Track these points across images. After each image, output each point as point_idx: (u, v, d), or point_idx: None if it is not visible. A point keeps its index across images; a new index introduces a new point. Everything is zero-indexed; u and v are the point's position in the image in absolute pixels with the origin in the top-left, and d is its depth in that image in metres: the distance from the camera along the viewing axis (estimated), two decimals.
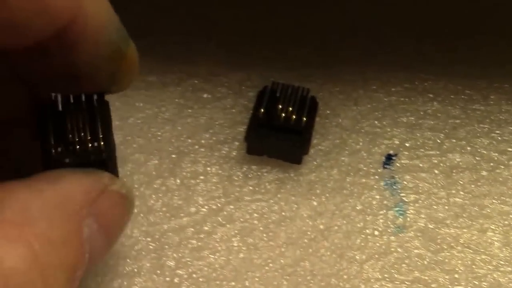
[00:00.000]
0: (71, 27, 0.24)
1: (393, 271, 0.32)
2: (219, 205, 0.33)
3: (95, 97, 0.26)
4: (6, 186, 0.23)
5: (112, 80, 0.27)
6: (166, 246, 0.32)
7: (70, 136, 0.25)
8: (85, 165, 0.25)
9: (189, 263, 0.32)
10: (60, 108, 0.26)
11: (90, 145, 0.25)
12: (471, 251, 0.33)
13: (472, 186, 0.34)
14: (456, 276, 0.32)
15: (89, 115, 0.26)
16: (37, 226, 0.23)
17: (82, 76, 0.26)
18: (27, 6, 0.22)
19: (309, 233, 0.33)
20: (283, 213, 0.33)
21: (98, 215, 0.25)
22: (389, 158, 0.35)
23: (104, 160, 0.26)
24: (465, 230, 0.33)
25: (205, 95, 0.36)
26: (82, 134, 0.25)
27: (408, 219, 0.33)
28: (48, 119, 0.26)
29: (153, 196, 0.33)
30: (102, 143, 0.25)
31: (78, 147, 0.25)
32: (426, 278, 0.32)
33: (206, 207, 0.33)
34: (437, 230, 0.33)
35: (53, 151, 0.25)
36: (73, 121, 0.26)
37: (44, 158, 0.25)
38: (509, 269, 0.32)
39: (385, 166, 0.35)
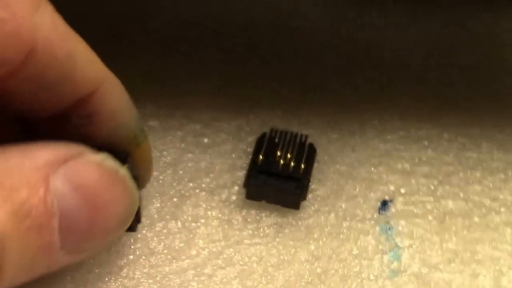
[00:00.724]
0: (92, 98, 0.26)
1: None
2: (219, 248, 0.34)
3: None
4: None
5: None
6: None
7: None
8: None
9: None
10: None
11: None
12: None
13: (465, 232, 0.35)
14: None
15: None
16: None
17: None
18: (56, 69, 0.24)
19: (306, 276, 0.33)
20: (281, 257, 0.34)
21: (69, 176, 0.24)
22: (384, 204, 0.36)
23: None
24: (457, 275, 0.34)
25: (205, 140, 0.38)
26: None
27: (403, 263, 0.34)
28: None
29: (155, 238, 0.34)
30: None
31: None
32: None
33: (206, 250, 0.34)
34: (430, 274, 0.34)
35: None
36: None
37: None
38: None
39: (381, 211, 0.36)
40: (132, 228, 0.33)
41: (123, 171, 0.27)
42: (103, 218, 0.26)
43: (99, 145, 0.27)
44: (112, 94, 0.27)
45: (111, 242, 0.28)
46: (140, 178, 0.30)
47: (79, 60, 0.25)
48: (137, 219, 0.32)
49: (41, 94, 0.25)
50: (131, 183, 0.27)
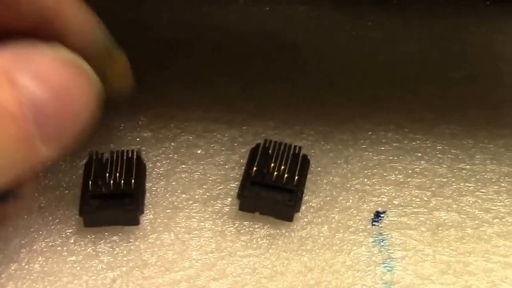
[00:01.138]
0: (56, 18, 0.27)
1: None
2: (212, 259, 0.34)
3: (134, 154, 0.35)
4: None
5: (103, 82, 0.29)
6: None
7: (107, 175, 0.34)
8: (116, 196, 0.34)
9: None
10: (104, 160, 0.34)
11: (122, 182, 0.34)
12: None
13: (458, 243, 0.35)
14: None
15: (126, 165, 0.34)
16: None
17: None
18: None
19: None
20: (274, 268, 0.34)
21: (35, 73, 0.25)
22: (377, 216, 0.36)
23: (132, 194, 0.34)
24: (450, 287, 0.34)
25: (199, 151, 0.38)
26: (118, 175, 0.34)
27: (396, 275, 0.34)
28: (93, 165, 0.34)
29: (148, 250, 0.34)
30: (133, 182, 0.34)
31: (112, 182, 0.33)
32: None
33: (199, 261, 0.34)
34: (423, 286, 0.34)
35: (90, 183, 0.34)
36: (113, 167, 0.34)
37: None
38: None
39: (374, 223, 0.36)
40: (135, 221, 0.34)
41: (80, 59, 0.27)
42: (71, 103, 0.26)
43: None
44: (76, 11, 0.28)
45: (83, 129, 0.28)
46: (120, 87, 0.32)
47: None
48: (140, 210, 0.35)
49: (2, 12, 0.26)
50: (89, 69, 0.27)
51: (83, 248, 0.34)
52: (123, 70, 0.32)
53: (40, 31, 0.27)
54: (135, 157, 0.35)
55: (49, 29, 0.27)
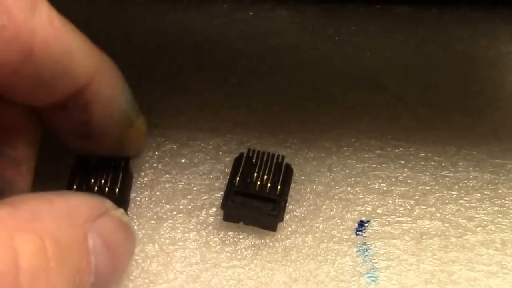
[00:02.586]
0: (87, 88, 0.28)
1: None
2: (196, 271, 0.34)
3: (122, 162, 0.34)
4: (17, 197, 0.26)
5: (120, 145, 0.32)
6: None
7: (93, 181, 0.33)
8: None
9: None
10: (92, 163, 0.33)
11: (106, 189, 0.33)
12: None
13: (441, 252, 0.35)
14: None
15: (113, 172, 0.33)
16: (47, 226, 0.24)
17: (94, 136, 0.31)
18: (53, 66, 0.26)
19: None
20: (259, 279, 0.34)
21: (100, 232, 0.27)
22: (361, 225, 0.36)
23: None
24: None
25: (183, 160, 0.37)
26: (103, 181, 0.33)
27: (380, 285, 0.34)
28: (80, 167, 0.33)
29: (132, 262, 0.34)
30: (117, 190, 0.33)
31: (96, 188, 0.33)
32: None
33: (184, 273, 0.34)
34: None
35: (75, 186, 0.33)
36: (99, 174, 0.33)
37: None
38: None
39: (358, 232, 0.36)
40: None
41: (131, 223, 0.31)
42: (122, 264, 0.30)
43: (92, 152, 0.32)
44: (107, 82, 0.29)
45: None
46: (134, 151, 0.35)
47: (76, 54, 0.27)
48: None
49: (40, 89, 0.27)
50: (133, 228, 0.31)
51: None
52: (141, 136, 0.34)
53: (71, 99, 0.28)
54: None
55: (79, 98, 0.28)
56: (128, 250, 0.30)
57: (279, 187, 0.35)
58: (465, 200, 0.37)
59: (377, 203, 0.37)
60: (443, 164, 0.38)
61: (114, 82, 0.30)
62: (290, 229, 0.36)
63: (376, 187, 0.37)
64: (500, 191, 0.37)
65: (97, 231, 0.27)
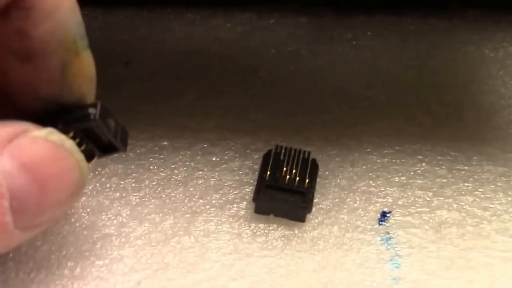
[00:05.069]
0: None
1: None
2: (230, 261, 0.36)
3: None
4: None
5: (62, 78, 0.28)
6: None
7: None
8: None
9: None
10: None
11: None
12: None
13: (459, 240, 0.37)
14: None
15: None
16: None
17: (34, 57, 0.27)
18: None
19: (314, 285, 0.35)
20: (289, 268, 0.36)
21: (15, 154, 0.25)
22: (384, 215, 0.38)
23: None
24: (454, 281, 0.36)
25: (214, 158, 0.40)
26: None
27: (403, 271, 0.36)
28: None
29: (170, 253, 0.36)
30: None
31: None
32: None
33: (219, 263, 0.36)
34: (429, 281, 0.36)
35: None
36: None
37: None
38: None
39: (381, 222, 0.38)
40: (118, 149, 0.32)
41: (68, 143, 0.27)
42: (53, 192, 0.26)
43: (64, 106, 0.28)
44: None
45: (64, 214, 0.28)
46: (81, 91, 0.29)
47: None
48: (123, 145, 0.32)
49: None
50: (78, 154, 0.27)
51: (109, 253, 0.36)
52: (86, 72, 0.29)
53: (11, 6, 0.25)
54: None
55: (21, 3, 0.25)
56: (60, 170, 0.26)
57: (307, 180, 0.37)
58: (480, 191, 0.39)
59: (397, 195, 0.39)
60: (458, 159, 0.40)
61: None
62: (317, 220, 0.38)
63: (396, 180, 0.39)
64: None
65: (10, 153, 0.25)
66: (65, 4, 0.26)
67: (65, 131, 0.27)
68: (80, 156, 0.27)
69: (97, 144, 0.30)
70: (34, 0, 0.25)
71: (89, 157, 0.29)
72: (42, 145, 0.26)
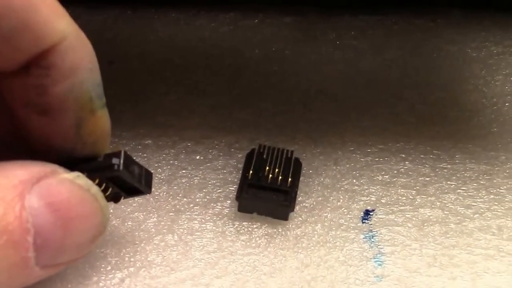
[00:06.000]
0: (53, 50, 0.26)
1: None
2: (214, 259, 0.36)
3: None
4: None
5: (77, 134, 0.28)
6: None
7: None
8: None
9: None
10: None
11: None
12: None
13: (442, 238, 0.37)
14: None
15: None
16: None
17: (51, 111, 0.27)
18: (12, 16, 0.24)
19: (297, 283, 0.35)
20: (273, 265, 0.36)
21: (42, 193, 0.25)
22: (367, 214, 0.38)
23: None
24: (437, 278, 0.36)
25: (197, 157, 0.40)
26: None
27: (386, 268, 0.36)
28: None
29: (154, 251, 0.36)
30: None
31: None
32: None
33: (202, 261, 0.36)
34: (412, 278, 0.36)
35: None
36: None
37: None
38: None
39: (364, 221, 0.38)
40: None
41: (94, 188, 0.28)
42: (75, 234, 0.27)
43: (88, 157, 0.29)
44: (75, 51, 0.26)
45: (84, 255, 0.29)
46: (95, 148, 0.29)
47: (41, 11, 0.25)
48: (148, 187, 0.33)
49: (1, 44, 0.25)
50: (102, 200, 0.28)
51: (92, 251, 0.36)
52: (101, 130, 0.29)
53: (35, 60, 0.26)
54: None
55: (43, 59, 0.26)
56: (84, 212, 0.27)
57: (289, 179, 0.37)
58: (463, 189, 0.39)
59: (381, 194, 0.39)
60: (441, 157, 0.41)
61: (83, 53, 0.27)
62: (300, 218, 0.38)
63: (380, 179, 0.39)
64: (495, 180, 0.40)
65: (38, 192, 0.25)
66: (84, 65, 0.27)
67: (90, 177, 0.28)
68: (104, 203, 0.28)
69: (122, 187, 0.31)
70: (54, 60, 0.26)
71: (115, 199, 0.31)
72: (69, 187, 0.27)
